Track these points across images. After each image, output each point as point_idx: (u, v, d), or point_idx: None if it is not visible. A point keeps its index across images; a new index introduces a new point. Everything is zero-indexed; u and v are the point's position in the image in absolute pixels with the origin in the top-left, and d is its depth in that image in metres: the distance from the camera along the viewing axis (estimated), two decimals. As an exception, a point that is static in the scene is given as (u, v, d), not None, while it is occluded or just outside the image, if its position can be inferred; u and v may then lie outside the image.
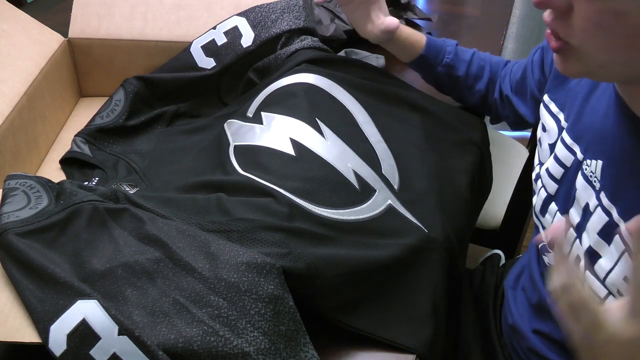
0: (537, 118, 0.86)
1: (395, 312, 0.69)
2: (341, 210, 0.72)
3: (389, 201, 0.75)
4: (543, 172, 0.75)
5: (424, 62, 0.95)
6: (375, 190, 0.76)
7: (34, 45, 0.97)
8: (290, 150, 0.78)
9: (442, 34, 1.30)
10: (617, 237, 0.62)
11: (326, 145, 0.79)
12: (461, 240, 0.79)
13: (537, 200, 0.78)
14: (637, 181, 0.61)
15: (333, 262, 0.67)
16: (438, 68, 0.95)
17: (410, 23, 1.25)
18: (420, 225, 0.74)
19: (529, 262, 0.84)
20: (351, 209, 0.73)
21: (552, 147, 0.74)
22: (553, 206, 0.74)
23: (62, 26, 1.05)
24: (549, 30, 0.59)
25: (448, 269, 0.74)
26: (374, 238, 0.71)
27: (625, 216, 0.61)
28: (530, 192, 1.23)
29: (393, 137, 0.82)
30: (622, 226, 0.61)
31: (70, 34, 1.03)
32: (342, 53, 1.12)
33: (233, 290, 0.60)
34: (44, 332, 0.57)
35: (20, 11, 1.01)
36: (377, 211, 0.74)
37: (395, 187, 0.77)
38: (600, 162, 0.65)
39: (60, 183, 0.72)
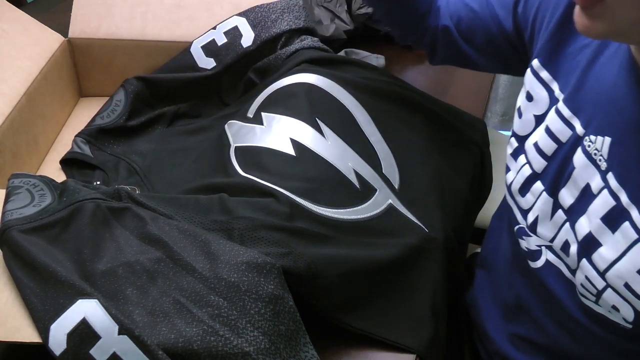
0: (490, 67, 0.79)
1: (395, 312, 0.69)
2: (342, 210, 0.72)
3: (390, 201, 0.75)
4: (529, 147, 0.68)
5: None
6: (375, 190, 0.76)
7: (34, 45, 0.97)
8: (291, 151, 0.78)
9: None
10: (626, 224, 0.57)
11: (326, 145, 0.79)
12: (461, 240, 0.79)
13: (515, 177, 0.70)
14: None
15: (333, 262, 0.67)
16: None
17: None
18: (421, 224, 0.74)
19: (504, 260, 0.77)
20: (352, 209, 0.73)
21: (539, 118, 0.68)
22: (538, 185, 0.67)
23: (62, 26, 1.05)
24: None
25: (448, 269, 0.74)
26: (374, 238, 0.71)
27: (636, 201, 0.56)
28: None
29: (393, 136, 0.82)
30: (634, 212, 0.56)
31: (70, 34, 1.03)
32: (342, 53, 1.12)
33: (233, 290, 0.60)
34: (44, 331, 0.57)
35: (20, 11, 1.01)
36: (377, 211, 0.74)
37: (396, 186, 0.77)
38: (607, 139, 0.58)
39: (64, 182, 0.72)
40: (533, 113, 0.69)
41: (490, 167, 0.92)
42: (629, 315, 0.59)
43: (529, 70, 0.70)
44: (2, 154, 0.83)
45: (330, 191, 0.74)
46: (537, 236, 0.69)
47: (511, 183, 0.71)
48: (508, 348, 0.77)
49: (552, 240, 0.67)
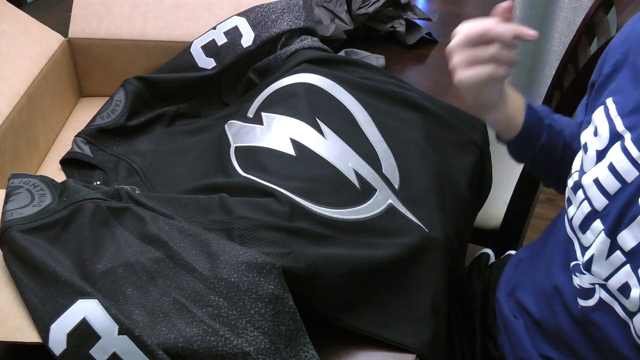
0: None
1: (395, 312, 0.69)
2: (342, 210, 0.72)
3: (390, 200, 0.75)
4: (589, 183, 0.66)
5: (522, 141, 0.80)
6: (375, 190, 0.76)
7: (34, 45, 0.97)
8: (291, 151, 0.78)
9: (442, 34, 1.30)
10: None
11: (326, 145, 0.79)
12: (461, 239, 0.79)
13: (575, 213, 0.68)
14: None
15: (333, 262, 0.67)
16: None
17: (410, 23, 1.25)
18: (421, 224, 0.74)
19: (546, 289, 0.75)
20: (352, 209, 0.73)
21: (600, 154, 0.65)
22: (598, 224, 0.65)
23: (62, 26, 1.05)
24: None
25: (448, 269, 0.74)
26: (374, 237, 0.71)
27: None
28: (531, 192, 1.23)
29: (393, 136, 0.82)
30: None
31: (70, 34, 1.03)
32: (342, 53, 1.12)
33: (233, 289, 0.60)
34: (44, 331, 0.57)
35: (20, 11, 1.01)
36: (377, 210, 0.74)
37: (396, 186, 0.77)
38: None
39: (64, 182, 0.72)
40: (595, 149, 0.67)
41: (490, 167, 0.92)
42: None
43: (602, 107, 0.68)
44: (2, 154, 0.83)
45: (330, 191, 0.74)
46: (592, 274, 0.67)
47: (572, 218, 0.70)
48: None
49: (606, 279, 0.65)
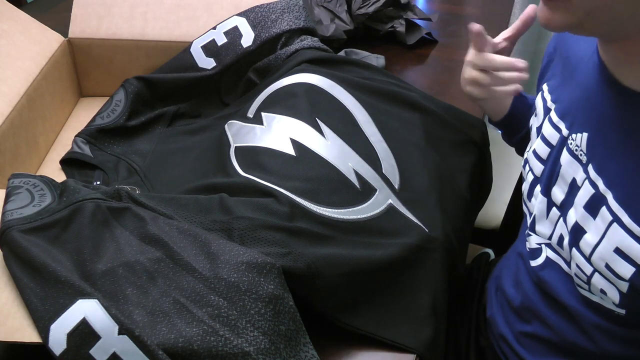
0: None
1: (395, 312, 0.69)
2: (342, 210, 0.72)
3: (390, 200, 0.75)
4: (530, 155, 0.75)
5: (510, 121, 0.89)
6: (375, 190, 0.76)
7: (34, 45, 0.97)
8: (291, 151, 0.78)
9: (442, 34, 1.30)
10: (603, 208, 0.62)
11: (326, 145, 0.79)
12: (461, 239, 0.79)
13: (525, 186, 0.77)
14: (622, 150, 0.60)
15: (333, 262, 0.67)
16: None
17: (410, 23, 1.25)
18: (421, 224, 0.74)
19: (515, 264, 0.82)
20: (352, 209, 0.73)
21: (538, 129, 0.74)
22: (538, 188, 0.73)
23: (62, 26, 1.05)
24: None
25: (448, 269, 0.74)
26: (374, 237, 0.71)
27: (612, 187, 0.61)
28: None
29: (393, 136, 0.82)
30: (609, 197, 0.61)
31: (70, 34, 1.03)
32: (342, 53, 1.12)
33: (233, 289, 0.60)
34: (44, 331, 0.57)
35: (20, 11, 1.01)
36: (377, 210, 0.74)
37: (396, 186, 0.77)
38: (585, 135, 0.65)
39: (64, 182, 0.72)
40: (535, 125, 0.76)
41: (490, 167, 0.92)
42: (615, 297, 0.63)
43: (540, 92, 0.77)
44: (2, 154, 0.83)
45: (330, 191, 0.74)
46: (537, 234, 0.74)
47: (523, 191, 0.77)
48: (517, 346, 0.80)
49: (550, 238, 0.71)
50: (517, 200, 1.23)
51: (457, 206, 0.81)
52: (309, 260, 0.66)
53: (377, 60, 1.13)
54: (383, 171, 0.78)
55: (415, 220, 0.74)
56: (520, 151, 0.93)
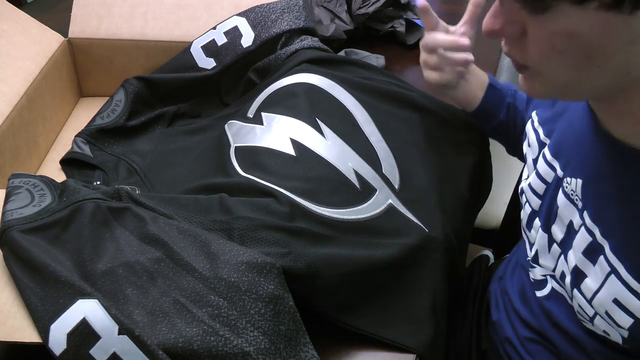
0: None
1: (395, 312, 0.69)
2: (342, 210, 0.72)
3: (390, 200, 0.75)
4: (526, 187, 0.74)
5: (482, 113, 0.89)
6: (375, 190, 0.76)
7: (34, 45, 0.97)
8: (291, 151, 0.78)
9: (442, 34, 1.30)
10: (601, 258, 0.60)
11: (326, 145, 0.79)
12: (461, 240, 0.79)
13: (523, 215, 0.76)
14: (617, 202, 0.59)
15: (333, 262, 0.67)
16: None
17: (410, 23, 1.25)
18: (421, 224, 0.74)
19: (519, 276, 0.82)
20: (352, 209, 0.73)
21: (534, 161, 0.73)
22: (537, 222, 0.72)
23: (62, 26, 1.05)
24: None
25: (448, 269, 0.74)
26: (374, 237, 0.71)
27: (609, 237, 0.60)
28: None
29: (393, 136, 0.82)
30: (607, 247, 0.60)
31: (70, 34, 1.03)
32: (342, 53, 1.12)
33: (233, 289, 0.60)
34: (44, 331, 0.57)
35: (20, 11, 1.01)
36: (377, 210, 0.74)
37: (396, 186, 0.77)
38: (579, 181, 0.63)
39: (64, 182, 0.72)
40: (531, 157, 0.75)
41: (490, 167, 0.92)
42: (618, 339, 0.63)
43: (530, 120, 0.76)
44: (2, 154, 0.83)
45: (330, 191, 0.74)
46: (541, 267, 0.73)
47: (522, 219, 0.77)
48: (522, 351, 0.79)
49: (553, 270, 0.71)
50: (517, 200, 1.23)
51: (457, 206, 0.81)
52: (309, 260, 0.66)
53: (377, 60, 1.13)
54: (383, 171, 0.78)
55: (415, 220, 0.74)
56: (494, 137, 0.92)
